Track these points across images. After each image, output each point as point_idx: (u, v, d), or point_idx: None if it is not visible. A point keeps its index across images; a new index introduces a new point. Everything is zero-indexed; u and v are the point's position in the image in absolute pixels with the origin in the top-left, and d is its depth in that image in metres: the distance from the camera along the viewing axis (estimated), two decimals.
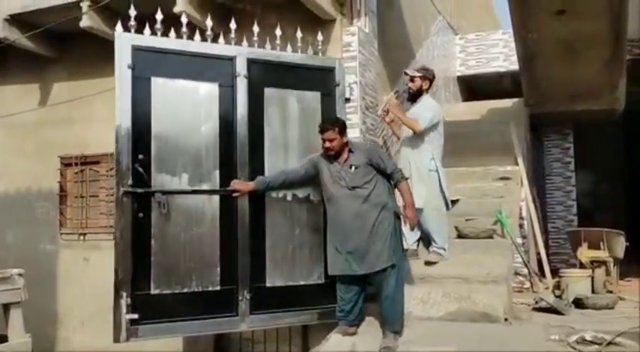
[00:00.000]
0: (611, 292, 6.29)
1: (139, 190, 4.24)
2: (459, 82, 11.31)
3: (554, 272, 6.98)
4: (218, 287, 4.45)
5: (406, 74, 5.36)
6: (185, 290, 4.35)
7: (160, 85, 4.37)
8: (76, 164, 6.75)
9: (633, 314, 5.30)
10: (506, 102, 9.58)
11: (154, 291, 4.25)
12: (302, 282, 4.75)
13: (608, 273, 6.41)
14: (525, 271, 6.62)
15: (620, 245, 6.62)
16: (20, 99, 7.07)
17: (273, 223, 4.68)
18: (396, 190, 4.48)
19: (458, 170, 7.34)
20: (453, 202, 6.58)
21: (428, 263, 5.25)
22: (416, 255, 5.41)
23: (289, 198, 4.72)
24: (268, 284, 4.61)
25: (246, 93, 4.59)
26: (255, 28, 4.71)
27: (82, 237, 6.64)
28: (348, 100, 5.16)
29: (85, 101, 6.58)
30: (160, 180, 4.33)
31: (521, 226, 7.26)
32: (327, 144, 4.32)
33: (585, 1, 6.26)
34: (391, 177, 4.43)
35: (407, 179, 4.58)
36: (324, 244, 4.65)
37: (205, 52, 4.54)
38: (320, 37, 5.00)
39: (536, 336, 4.49)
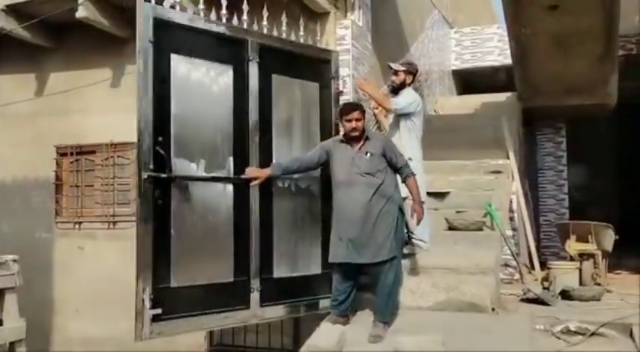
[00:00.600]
0: (599, 284, 6.38)
1: (162, 175, 4.01)
2: (454, 76, 11.39)
3: (545, 265, 7.10)
4: (232, 279, 4.35)
5: (390, 68, 5.46)
6: (203, 282, 4.21)
7: (178, 63, 4.14)
8: (72, 154, 6.81)
9: (619, 306, 5.39)
10: (500, 97, 9.66)
11: (173, 284, 4.05)
12: (306, 273, 4.78)
13: (596, 266, 6.50)
14: (515, 263, 6.71)
15: (609, 238, 6.71)
16: (17, 90, 7.12)
17: (279, 212, 4.65)
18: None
19: (451, 163, 7.43)
20: (444, 194, 6.71)
21: (405, 255, 5.32)
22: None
23: (293, 187, 4.71)
24: (276, 275, 4.59)
25: (258, 78, 4.52)
26: (265, 13, 4.68)
27: (77, 226, 6.71)
28: (341, 93, 5.23)
29: (81, 91, 6.64)
30: (179, 165, 4.12)
31: (511, 219, 7.37)
32: (354, 125, 4.34)
33: None
34: (400, 172, 4.51)
35: (415, 175, 4.63)
36: (323, 234, 4.71)
37: (223, 32, 4.39)
38: (317, 29, 5.07)
39: (521, 326, 4.59)
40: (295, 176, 4.69)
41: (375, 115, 6.06)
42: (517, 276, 6.73)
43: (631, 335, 4.36)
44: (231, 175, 4.36)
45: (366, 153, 4.38)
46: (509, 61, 8.39)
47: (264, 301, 4.49)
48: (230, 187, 4.37)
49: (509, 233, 6.89)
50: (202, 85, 4.28)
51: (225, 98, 4.38)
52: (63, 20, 6.31)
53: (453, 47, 11.33)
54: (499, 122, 8.16)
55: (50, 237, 6.84)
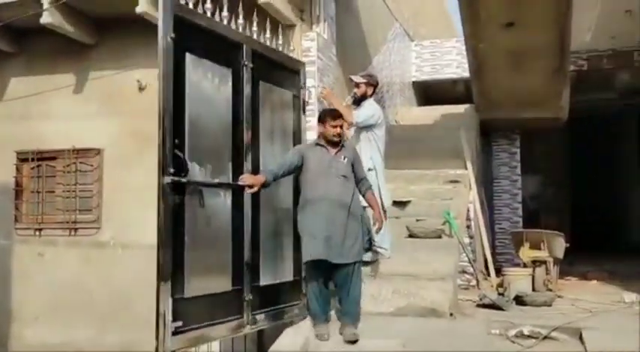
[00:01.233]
0: (550, 290, 6.63)
1: (182, 180, 3.84)
2: (414, 87, 11.63)
3: (500, 271, 7.34)
4: (229, 288, 4.26)
5: (351, 80, 5.64)
6: (210, 291, 4.08)
7: (191, 64, 3.99)
8: (33, 159, 6.71)
9: (569, 311, 5.66)
10: (459, 108, 9.95)
11: (187, 295, 3.84)
12: (283, 279, 4.82)
13: (548, 272, 6.77)
14: (472, 269, 6.93)
15: (560, 246, 6.99)
16: None
17: (263, 220, 4.63)
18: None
19: (411, 172, 7.64)
20: (405, 203, 6.89)
21: (366, 262, 5.47)
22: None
23: (271, 195, 4.67)
24: (262, 283, 4.56)
25: (250, 83, 4.54)
26: (255, 19, 4.77)
27: (37, 233, 6.61)
28: (307, 103, 5.36)
29: (43, 97, 6.56)
30: (192, 170, 3.94)
31: (468, 227, 7.62)
32: (339, 130, 4.57)
33: (533, 15, 6.60)
34: (361, 183, 4.71)
35: (372, 188, 4.85)
36: (294, 241, 4.79)
37: (226, 34, 4.36)
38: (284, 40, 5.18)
39: (478, 330, 4.79)
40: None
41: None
42: (474, 282, 6.96)
43: (580, 338, 4.58)
44: (231, 181, 4.31)
45: (344, 158, 4.58)
46: (467, 73, 8.66)
47: (254, 309, 4.44)
48: (230, 194, 4.32)
49: (467, 240, 7.12)
50: (209, 87, 4.19)
51: (226, 102, 4.35)
52: (27, 25, 6.23)
53: (414, 59, 11.59)
54: (457, 133, 8.43)
55: (9, 243, 6.72)
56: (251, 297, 4.40)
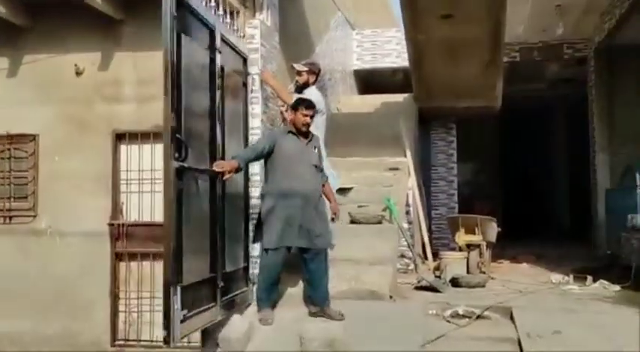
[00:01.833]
0: (484, 272, 6.96)
1: (186, 166, 3.85)
2: (355, 76, 11.76)
3: (437, 255, 7.63)
4: (208, 275, 4.28)
5: (293, 68, 5.71)
6: (199, 278, 4.09)
7: (185, 45, 3.94)
8: None
9: (501, 292, 5.97)
10: (398, 97, 10.15)
11: (185, 281, 3.82)
12: (239, 266, 4.90)
13: (481, 255, 7.09)
14: (410, 254, 7.16)
15: (493, 230, 7.31)
16: None
17: (226, 206, 4.65)
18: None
19: (353, 160, 7.78)
20: (347, 190, 7.03)
21: None
22: None
23: (230, 182, 4.65)
24: (227, 269, 4.60)
25: (220, 68, 4.57)
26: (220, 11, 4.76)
27: None
28: (249, 90, 5.39)
29: None
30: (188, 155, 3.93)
31: (407, 212, 7.85)
32: (308, 120, 4.69)
33: (469, 7, 6.81)
34: (322, 173, 4.87)
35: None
36: (246, 228, 4.88)
37: (207, 18, 4.36)
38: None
39: (416, 311, 5.00)
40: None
41: (281, 113, 6.24)
42: (412, 266, 7.19)
43: (511, 316, 4.87)
44: (208, 167, 4.31)
45: (314, 148, 4.73)
46: (406, 63, 8.85)
47: (222, 296, 4.47)
48: (208, 180, 4.34)
49: (406, 226, 7.33)
50: (196, 71, 4.18)
51: (205, 87, 4.37)
52: None
53: (355, 48, 11.71)
54: (397, 121, 8.63)
55: None
56: (222, 284, 4.46)
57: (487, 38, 7.52)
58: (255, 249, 5.07)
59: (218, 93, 4.53)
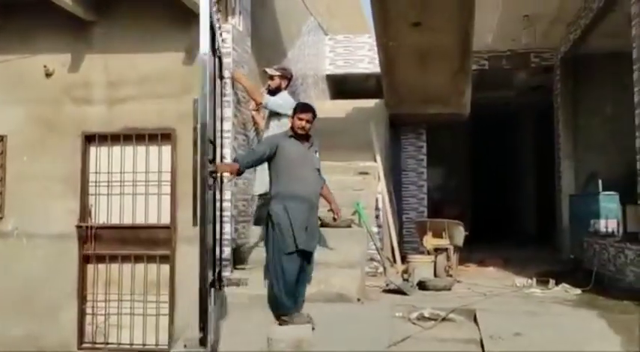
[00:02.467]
0: (451, 276, 7.08)
1: (212, 168, 4.03)
2: (327, 81, 11.85)
3: (406, 258, 7.73)
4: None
5: (265, 72, 5.79)
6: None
7: None
8: None
9: (466, 295, 6.10)
10: (370, 102, 10.25)
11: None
12: None
13: (448, 259, 7.21)
14: (379, 257, 7.26)
15: (460, 234, 7.43)
16: None
17: None
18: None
19: (324, 163, 7.81)
20: None
21: None
22: None
23: None
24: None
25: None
26: None
27: None
28: (224, 95, 5.45)
29: None
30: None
31: (377, 216, 7.95)
32: (305, 124, 4.66)
33: (437, 16, 6.96)
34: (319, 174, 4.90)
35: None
36: None
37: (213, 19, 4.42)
38: None
39: (382, 314, 5.08)
40: None
41: (252, 117, 6.32)
42: (381, 269, 7.29)
43: (475, 319, 4.99)
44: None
45: (315, 152, 4.79)
46: (378, 69, 8.96)
47: None
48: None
49: (375, 229, 7.43)
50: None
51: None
52: None
53: (327, 53, 11.80)
54: (368, 126, 8.73)
55: None
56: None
57: (456, 46, 7.67)
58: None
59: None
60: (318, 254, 5.53)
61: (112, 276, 5.55)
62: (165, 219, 5.41)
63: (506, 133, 15.78)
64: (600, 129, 9.47)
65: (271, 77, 5.84)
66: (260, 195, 5.89)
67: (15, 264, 5.69)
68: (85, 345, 5.56)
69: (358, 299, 5.40)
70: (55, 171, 5.68)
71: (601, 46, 8.51)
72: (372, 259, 7.25)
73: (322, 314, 4.72)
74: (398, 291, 6.03)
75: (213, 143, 4.03)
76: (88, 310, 5.61)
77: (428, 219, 8.56)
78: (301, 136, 4.72)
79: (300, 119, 4.69)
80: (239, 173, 4.51)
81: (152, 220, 5.46)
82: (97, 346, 5.58)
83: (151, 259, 5.43)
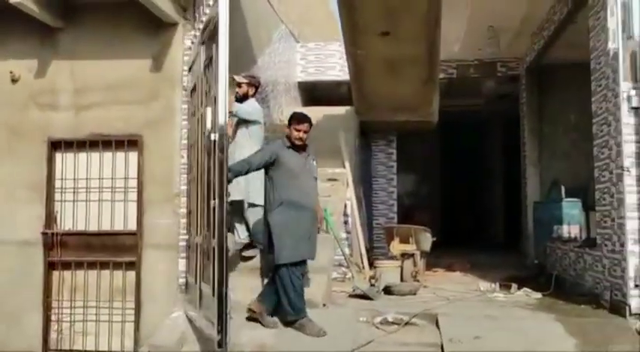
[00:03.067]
0: (418, 281, 7.21)
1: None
2: (299, 88, 11.93)
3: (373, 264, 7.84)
4: None
5: (233, 80, 5.86)
6: None
7: None
8: None
9: (430, 299, 6.22)
10: (340, 109, 10.36)
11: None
12: None
13: (415, 264, 7.34)
14: (346, 263, 7.34)
15: (426, 240, 7.59)
16: None
17: None
18: None
19: None
20: None
21: (244, 258, 5.76)
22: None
23: None
24: None
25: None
26: None
27: None
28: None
29: None
30: None
31: (345, 222, 8.05)
32: (302, 135, 4.78)
33: (405, 26, 7.09)
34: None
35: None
36: None
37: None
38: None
39: (347, 318, 5.18)
40: None
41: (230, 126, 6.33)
42: (350, 275, 7.37)
43: (437, 323, 5.10)
44: None
45: (313, 160, 4.89)
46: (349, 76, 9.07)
47: None
48: None
49: (344, 235, 7.52)
50: None
51: None
52: None
53: (299, 60, 11.89)
54: (338, 133, 8.83)
55: None
56: None
57: (423, 56, 7.82)
58: None
59: None
60: None
61: (77, 283, 5.51)
62: (132, 226, 5.41)
63: (476, 140, 16.05)
64: (564, 137, 9.72)
65: (239, 84, 5.90)
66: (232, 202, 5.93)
67: None
68: None
69: (324, 305, 5.49)
70: (20, 178, 5.64)
71: (564, 56, 8.74)
72: (340, 265, 7.34)
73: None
74: (364, 296, 6.13)
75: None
76: (53, 317, 5.56)
77: (395, 225, 8.67)
78: (298, 146, 4.81)
79: (297, 130, 4.79)
80: (228, 182, 4.54)
81: (118, 227, 5.45)
82: None
83: (116, 266, 5.40)
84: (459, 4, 8.03)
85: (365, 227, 9.09)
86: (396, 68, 8.03)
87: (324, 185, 7.91)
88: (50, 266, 5.53)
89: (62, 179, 5.60)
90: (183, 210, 5.39)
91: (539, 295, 6.48)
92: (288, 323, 4.69)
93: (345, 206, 8.07)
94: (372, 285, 6.69)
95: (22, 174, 5.64)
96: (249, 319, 4.76)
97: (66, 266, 5.52)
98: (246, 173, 4.85)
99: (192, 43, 5.45)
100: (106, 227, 5.48)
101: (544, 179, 9.91)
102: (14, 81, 5.74)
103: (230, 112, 5.82)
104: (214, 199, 4.08)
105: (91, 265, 5.44)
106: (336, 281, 6.96)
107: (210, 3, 5.91)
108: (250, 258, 5.80)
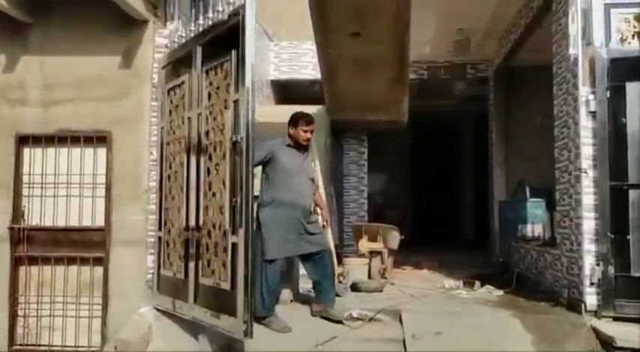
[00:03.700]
0: (385, 278, 7.35)
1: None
2: (272, 86, 11.96)
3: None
4: None
5: None
6: None
7: None
8: None
9: (396, 296, 6.36)
10: (312, 108, 10.35)
11: None
12: None
13: (383, 262, 7.48)
14: None
15: (394, 238, 7.72)
16: None
17: None
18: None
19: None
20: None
21: None
22: None
23: None
24: None
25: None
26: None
27: None
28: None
29: None
30: None
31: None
32: (309, 135, 4.94)
33: (375, 27, 7.17)
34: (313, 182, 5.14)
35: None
36: None
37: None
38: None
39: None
40: None
41: None
42: None
43: (400, 319, 5.23)
44: None
45: (311, 161, 5.01)
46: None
47: None
48: None
49: None
50: None
51: None
52: None
53: (272, 59, 11.93)
54: None
55: None
56: None
57: (393, 57, 7.91)
58: None
59: None
60: None
61: (44, 278, 5.52)
62: (100, 222, 5.43)
63: (447, 141, 16.26)
64: (531, 138, 9.92)
65: None
66: None
67: None
68: (15, 347, 5.50)
69: (291, 301, 5.58)
70: None
71: (531, 59, 8.93)
72: None
73: None
74: None
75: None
76: (20, 312, 5.56)
77: (363, 223, 8.81)
78: (303, 146, 4.90)
79: (305, 131, 4.91)
80: None
81: (86, 222, 5.46)
82: (28, 348, 5.53)
83: (84, 261, 5.43)
84: (429, 7, 8.17)
85: (335, 225, 9.19)
86: (366, 68, 8.11)
87: None
88: (17, 262, 5.53)
89: (30, 174, 5.59)
90: (152, 207, 5.43)
91: (500, 292, 6.66)
92: (257, 319, 4.76)
93: None
94: (339, 282, 6.79)
95: None
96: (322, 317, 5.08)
97: (33, 261, 5.51)
98: None
99: (174, 41, 5.45)
100: (74, 222, 5.49)
101: (511, 179, 10.11)
102: None
103: None
104: (237, 197, 4.14)
105: (59, 260, 5.46)
106: (305, 277, 7.03)
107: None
108: None
